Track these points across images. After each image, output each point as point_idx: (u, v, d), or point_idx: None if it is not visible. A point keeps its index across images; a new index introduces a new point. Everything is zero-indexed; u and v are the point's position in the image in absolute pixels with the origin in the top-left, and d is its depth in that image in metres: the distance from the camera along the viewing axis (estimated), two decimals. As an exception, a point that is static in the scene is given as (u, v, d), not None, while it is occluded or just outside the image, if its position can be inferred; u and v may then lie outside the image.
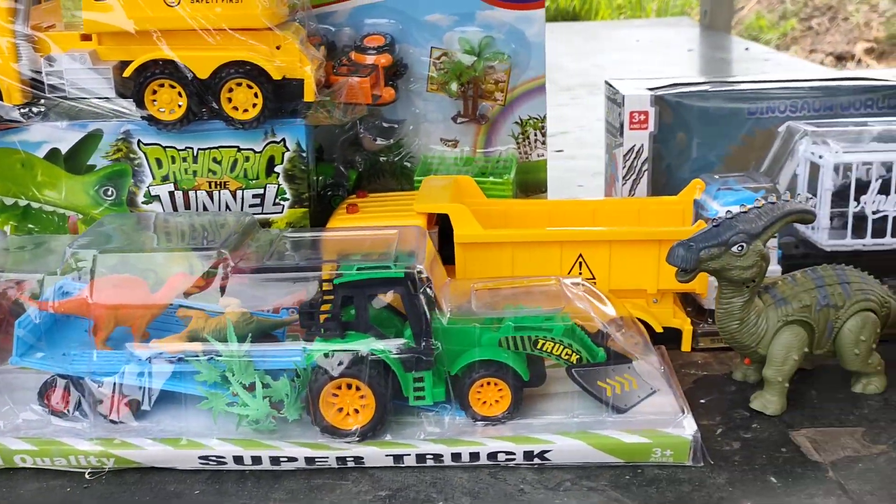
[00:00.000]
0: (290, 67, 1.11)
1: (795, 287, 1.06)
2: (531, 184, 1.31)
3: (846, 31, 6.58)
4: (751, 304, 1.03)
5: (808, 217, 1.04)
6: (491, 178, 1.24)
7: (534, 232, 1.13)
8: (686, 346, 1.15)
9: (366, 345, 0.96)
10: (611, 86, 1.40)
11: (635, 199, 1.25)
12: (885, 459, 0.97)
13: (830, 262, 1.20)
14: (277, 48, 1.11)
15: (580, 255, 1.13)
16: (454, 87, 1.22)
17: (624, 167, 1.33)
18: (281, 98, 1.13)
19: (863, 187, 1.22)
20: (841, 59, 6.40)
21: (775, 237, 1.13)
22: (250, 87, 1.11)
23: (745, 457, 0.98)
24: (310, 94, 1.11)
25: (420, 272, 0.96)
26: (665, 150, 1.35)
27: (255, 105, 1.12)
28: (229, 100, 1.12)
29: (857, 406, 1.07)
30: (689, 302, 1.24)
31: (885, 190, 1.21)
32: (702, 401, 1.09)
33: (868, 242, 1.23)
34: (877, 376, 1.09)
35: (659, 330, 1.14)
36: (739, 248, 0.99)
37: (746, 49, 3.95)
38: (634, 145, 1.33)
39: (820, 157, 1.22)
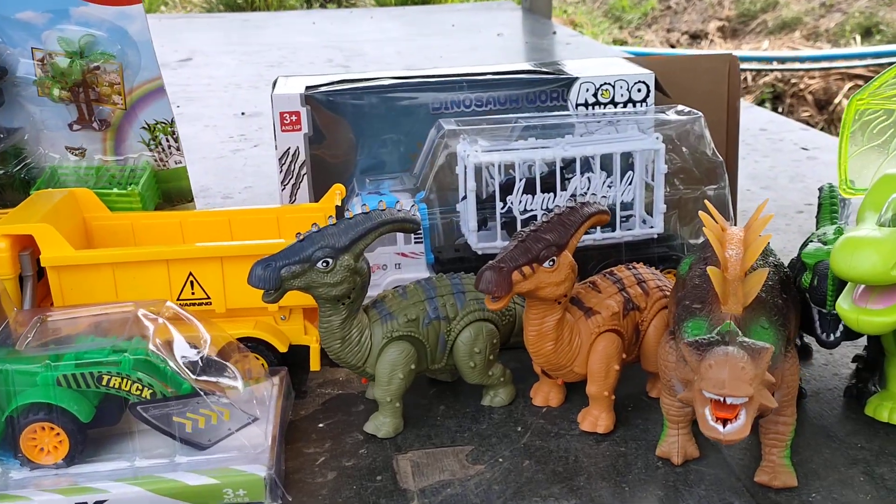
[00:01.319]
0: None
1: (404, 301, 0.99)
2: (174, 193, 1.22)
3: (701, 10, 6.71)
4: (352, 321, 0.96)
5: (407, 226, 0.98)
6: (115, 190, 1.14)
7: (134, 251, 1.03)
8: (314, 364, 1.08)
9: None
10: (274, 86, 1.31)
11: (274, 208, 1.17)
12: (476, 482, 0.91)
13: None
14: None
15: (190, 274, 1.04)
16: (56, 92, 1.11)
17: (281, 171, 1.25)
18: None
19: (512, 187, 1.17)
20: (695, 37, 6.52)
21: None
22: None
23: (334, 489, 0.91)
24: None
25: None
26: (330, 153, 1.28)
27: None
28: None
29: (478, 421, 1.02)
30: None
31: (531, 189, 1.16)
32: (320, 425, 1.02)
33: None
34: (503, 388, 1.04)
35: (283, 349, 1.07)
36: (325, 265, 0.92)
37: (554, 33, 3.94)
38: (289, 148, 1.24)
39: (467, 155, 1.16)
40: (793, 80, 5.13)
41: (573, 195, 1.17)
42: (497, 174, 1.21)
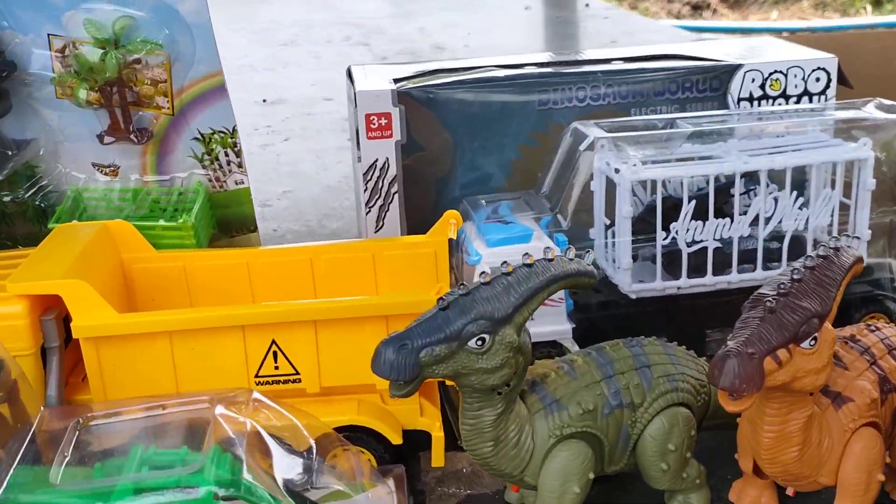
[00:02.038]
0: None
1: (573, 382, 0.72)
2: (234, 221, 0.94)
3: (704, -23, 6.44)
4: (508, 416, 0.69)
5: (583, 281, 0.71)
6: (161, 223, 0.86)
7: (199, 314, 0.76)
8: (437, 459, 0.81)
9: None
10: (350, 77, 1.04)
11: (368, 241, 0.90)
12: None
13: (638, 310, 0.90)
14: None
15: (273, 342, 0.77)
16: (82, 94, 0.83)
17: (366, 189, 0.98)
18: None
19: (673, 210, 0.90)
20: (697, 7, 6.24)
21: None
22: None
23: None
24: None
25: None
26: (426, 164, 1.00)
27: None
28: None
29: (669, 539, 0.75)
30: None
31: (701, 213, 0.89)
32: (451, 545, 0.76)
33: (684, 284, 0.91)
34: (696, 491, 0.77)
35: (396, 440, 0.80)
36: (480, 343, 0.65)
37: (587, 5, 3.64)
38: (377, 160, 0.97)
39: (616, 170, 0.89)
40: None
41: (755, 219, 0.90)
42: (645, 194, 0.94)
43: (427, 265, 0.88)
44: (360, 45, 2.98)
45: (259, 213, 1.53)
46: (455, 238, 0.88)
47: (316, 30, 3.28)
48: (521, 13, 3.54)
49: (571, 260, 0.70)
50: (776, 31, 4.84)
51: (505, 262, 0.68)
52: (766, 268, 0.92)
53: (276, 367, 0.77)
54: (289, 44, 3.02)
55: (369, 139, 0.96)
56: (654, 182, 0.89)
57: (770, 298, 0.65)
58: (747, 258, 0.92)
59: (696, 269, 0.92)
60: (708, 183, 0.89)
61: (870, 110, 0.95)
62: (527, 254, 0.68)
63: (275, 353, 0.77)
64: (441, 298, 0.66)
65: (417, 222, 1.00)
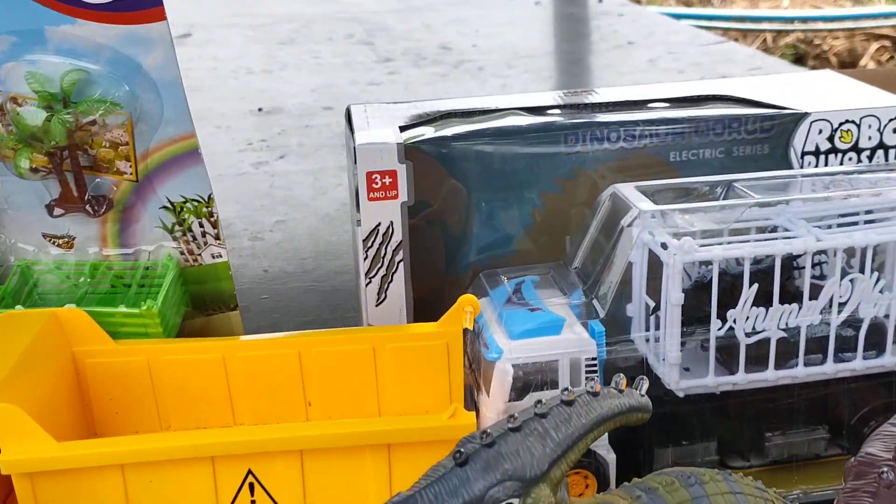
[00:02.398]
0: None
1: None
2: (210, 298, 0.80)
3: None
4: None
5: (637, 417, 0.57)
6: (122, 309, 0.72)
7: (154, 443, 0.61)
8: None
9: None
10: (348, 121, 0.89)
11: (368, 330, 0.76)
12: None
13: (687, 409, 0.77)
14: None
15: (250, 473, 0.63)
16: (24, 163, 0.69)
17: (366, 258, 0.83)
18: None
19: (729, 291, 0.76)
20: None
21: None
22: None
23: None
24: None
25: None
26: (436, 225, 0.86)
27: None
28: None
29: None
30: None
31: (763, 299, 0.75)
32: None
33: (741, 380, 0.77)
34: None
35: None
36: (508, 509, 0.51)
37: (600, 1, 3.49)
38: (379, 224, 0.82)
39: (664, 245, 0.75)
40: (815, 41, 4.77)
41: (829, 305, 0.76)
42: (693, 266, 0.80)
43: (438, 360, 0.74)
44: (363, 45, 2.82)
45: (249, 248, 1.40)
46: (471, 328, 0.74)
47: (317, 25, 3.12)
48: (531, 9, 3.38)
49: (621, 391, 0.56)
50: (788, 20, 4.70)
51: (539, 401, 0.54)
52: (837, 359, 0.78)
53: (253, 502, 0.63)
54: (287, 42, 2.87)
55: (371, 200, 0.81)
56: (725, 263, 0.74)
57: (462, 449, 0.51)
58: (816, 347, 0.78)
59: (756, 361, 0.78)
60: (771, 259, 0.75)
61: (961, 171, 0.81)
62: (566, 389, 0.54)
63: (251, 486, 0.63)
64: (458, 450, 0.52)
65: (427, 294, 0.86)
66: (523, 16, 3.27)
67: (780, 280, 0.77)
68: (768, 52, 4.77)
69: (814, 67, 4.75)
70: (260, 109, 2.12)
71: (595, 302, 0.76)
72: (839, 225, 0.81)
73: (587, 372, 0.75)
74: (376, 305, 0.85)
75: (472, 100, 0.97)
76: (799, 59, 4.81)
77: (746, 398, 0.78)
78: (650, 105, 0.93)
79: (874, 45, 4.62)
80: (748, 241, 0.75)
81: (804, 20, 4.83)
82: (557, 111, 0.93)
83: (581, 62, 2.63)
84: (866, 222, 0.80)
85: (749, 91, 0.93)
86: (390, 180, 0.81)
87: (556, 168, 0.91)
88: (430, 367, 0.74)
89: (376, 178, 0.81)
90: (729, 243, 0.75)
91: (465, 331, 0.74)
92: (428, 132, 0.84)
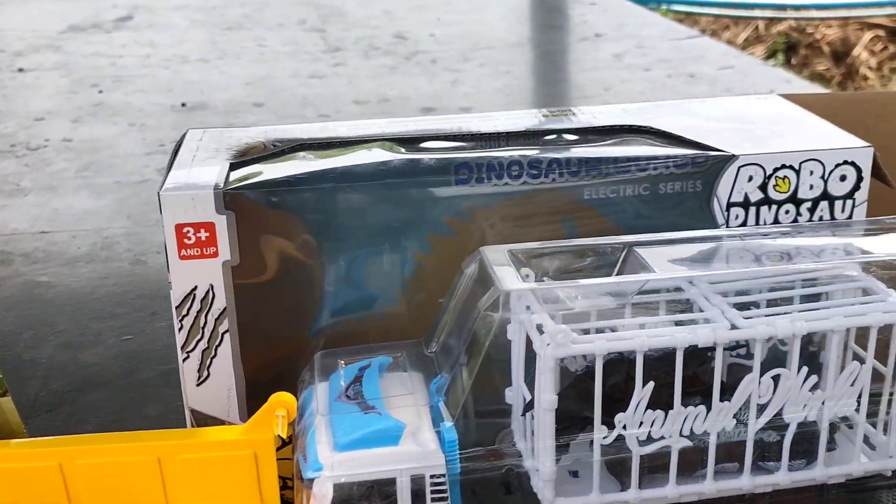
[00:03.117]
0: None
1: None
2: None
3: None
4: None
5: None
6: None
7: None
8: None
9: None
10: (175, 153, 0.72)
11: (151, 438, 0.60)
12: None
13: None
14: None
15: None
16: None
17: (181, 328, 0.67)
18: None
19: (622, 386, 0.60)
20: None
21: None
22: None
23: None
24: None
25: None
26: (277, 286, 0.70)
27: None
28: None
29: None
30: None
31: (661, 400, 0.59)
32: None
33: (633, 498, 0.61)
34: None
35: None
36: None
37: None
38: (195, 288, 0.66)
39: (539, 328, 0.58)
40: (808, 30, 4.64)
41: (744, 410, 0.60)
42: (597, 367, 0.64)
43: (244, 476, 0.58)
44: (315, 32, 2.65)
45: (128, 273, 1.23)
46: (285, 436, 0.58)
47: (269, 10, 2.94)
48: (499, -4, 3.21)
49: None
50: (780, 8, 4.55)
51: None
52: (757, 469, 0.62)
53: None
54: (234, 27, 2.69)
55: (183, 259, 0.65)
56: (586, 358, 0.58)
57: None
58: (730, 456, 0.62)
59: (655, 471, 0.62)
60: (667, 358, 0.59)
61: (919, 235, 0.65)
62: None
63: None
64: None
65: (266, 372, 0.70)
66: (490, 2, 3.09)
67: (689, 372, 0.61)
68: (760, 39, 4.62)
69: (806, 57, 4.60)
70: (183, 105, 1.94)
71: (445, 407, 0.60)
72: (770, 303, 0.65)
73: (434, 493, 0.59)
74: (197, 385, 0.69)
75: (343, 126, 0.80)
76: (791, 48, 4.66)
77: (644, 518, 0.63)
78: (554, 140, 0.76)
79: (868, 35, 4.48)
80: (639, 331, 0.58)
81: (797, 8, 4.69)
82: (440, 143, 0.77)
83: (543, 55, 2.46)
84: (805, 299, 0.64)
85: (675, 123, 0.76)
86: (207, 235, 0.65)
87: (444, 207, 0.75)
88: (234, 485, 0.58)
89: (188, 231, 0.64)
90: (617, 329, 0.59)
91: (280, 438, 0.58)
92: (268, 172, 0.68)
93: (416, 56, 2.38)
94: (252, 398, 0.70)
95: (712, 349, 0.66)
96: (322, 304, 0.72)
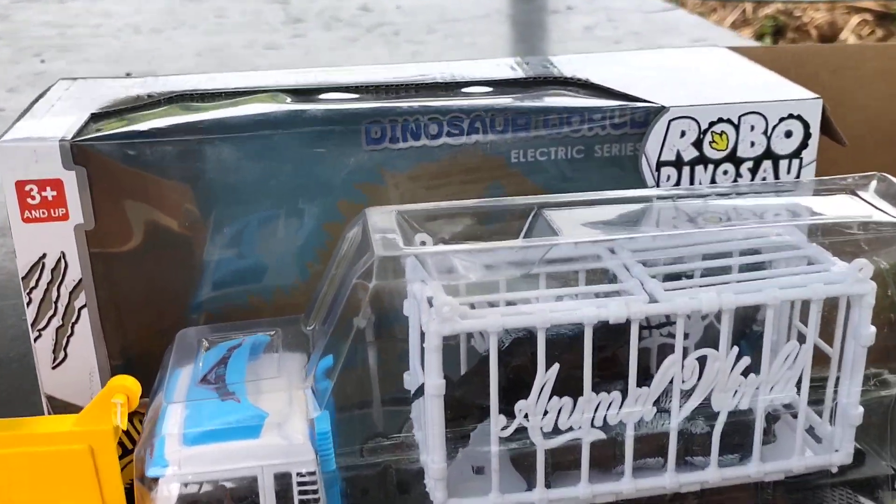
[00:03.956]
0: None
1: None
2: None
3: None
4: None
5: None
6: None
7: None
8: None
9: None
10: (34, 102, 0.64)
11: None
12: None
13: None
14: None
15: None
16: None
17: (29, 302, 0.59)
18: None
19: (526, 368, 0.52)
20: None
21: None
22: None
23: None
24: None
25: None
26: (146, 252, 0.61)
27: None
28: None
29: None
30: None
31: (570, 385, 0.51)
32: None
33: (539, 499, 0.53)
34: None
35: None
36: None
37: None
38: (43, 256, 0.58)
39: (430, 301, 0.50)
40: (796, 13, 4.57)
41: (664, 397, 0.52)
42: (491, 346, 0.56)
43: (79, 473, 0.49)
44: (276, 3, 2.55)
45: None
46: (124, 427, 0.49)
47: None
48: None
49: None
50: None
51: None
52: (682, 465, 0.54)
53: None
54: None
55: (27, 222, 0.56)
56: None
57: None
58: (652, 450, 0.54)
59: (566, 467, 0.54)
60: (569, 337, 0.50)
61: (872, 198, 0.57)
62: None
63: None
64: None
65: (138, 354, 0.62)
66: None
67: (607, 353, 0.53)
68: (747, 22, 4.54)
69: (793, 41, 4.52)
70: (128, 75, 1.85)
71: (312, 394, 0.51)
72: (706, 272, 0.57)
73: (302, 493, 0.50)
74: (53, 368, 0.60)
75: (237, 77, 0.72)
76: (778, 31, 4.58)
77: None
78: (470, 92, 0.68)
79: (855, 19, 4.41)
80: (541, 306, 0.50)
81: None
82: (352, 95, 0.68)
83: (512, 28, 2.37)
84: (745, 269, 0.56)
85: (605, 73, 0.68)
86: (54, 194, 0.56)
87: (353, 168, 0.67)
88: (68, 484, 0.49)
89: (32, 189, 0.56)
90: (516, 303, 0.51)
91: (120, 429, 0.49)
92: (131, 124, 0.59)
93: (380, 28, 2.29)
94: (120, 383, 0.62)
95: (646, 327, 0.59)
96: (202, 277, 0.63)
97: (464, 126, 0.67)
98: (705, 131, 0.61)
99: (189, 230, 0.61)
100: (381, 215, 0.55)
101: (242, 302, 0.65)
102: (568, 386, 0.52)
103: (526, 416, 0.51)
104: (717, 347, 0.53)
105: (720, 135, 0.61)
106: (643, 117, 0.61)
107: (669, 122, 0.60)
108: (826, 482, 0.56)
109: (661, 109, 0.60)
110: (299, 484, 0.50)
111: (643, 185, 0.62)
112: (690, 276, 0.56)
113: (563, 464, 0.54)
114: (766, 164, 0.63)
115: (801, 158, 0.63)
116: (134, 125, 0.59)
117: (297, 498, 0.50)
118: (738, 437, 0.54)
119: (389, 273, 0.50)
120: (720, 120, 0.61)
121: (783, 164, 0.62)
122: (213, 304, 0.64)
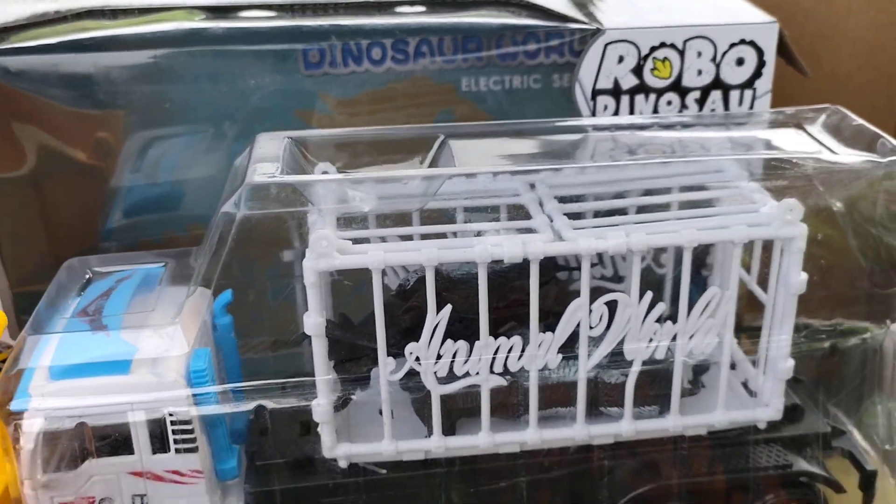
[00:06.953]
0: None
1: None
2: None
3: None
4: None
5: None
6: None
7: None
8: None
9: None
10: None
11: None
12: None
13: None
14: None
15: None
16: None
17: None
18: None
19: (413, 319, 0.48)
20: None
21: None
22: None
23: None
24: None
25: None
26: (48, 178, 0.58)
27: None
28: None
29: None
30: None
31: (459, 330, 0.47)
32: None
33: (436, 446, 0.50)
34: None
35: None
36: None
37: None
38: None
39: (313, 234, 0.46)
40: None
41: (570, 348, 0.48)
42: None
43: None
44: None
45: None
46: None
47: None
48: None
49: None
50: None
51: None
52: (594, 415, 0.50)
53: None
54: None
55: None
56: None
57: None
58: (561, 398, 0.50)
59: (467, 415, 0.50)
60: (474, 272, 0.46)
61: (818, 133, 0.51)
62: None
63: None
64: None
65: (44, 283, 0.59)
66: None
67: (518, 295, 0.49)
68: None
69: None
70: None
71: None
72: (642, 209, 0.52)
73: (177, 434, 0.48)
74: (-49, 296, 0.58)
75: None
76: None
77: (456, 475, 0.51)
78: (397, 10, 0.63)
79: None
80: (429, 243, 0.46)
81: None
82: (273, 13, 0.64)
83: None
84: (684, 206, 0.51)
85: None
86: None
87: (288, 94, 0.63)
88: None
89: None
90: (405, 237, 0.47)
91: (-13, 360, 0.47)
92: (20, 41, 0.56)
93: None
94: (26, 314, 0.60)
95: (565, 267, 0.54)
96: (114, 203, 0.60)
97: (409, 50, 0.63)
98: (645, 57, 0.56)
99: (92, 156, 0.58)
100: (270, 141, 0.51)
101: (166, 232, 0.62)
102: (462, 332, 0.48)
103: (418, 359, 0.47)
104: (658, 292, 0.49)
105: (662, 61, 0.56)
106: (577, 40, 0.56)
107: (606, 45, 0.55)
108: (752, 439, 0.52)
109: (597, 32, 0.55)
110: (172, 423, 0.47)
111: (577, 114, 0.57)
112: (623, 214, 0.51)
113: (467, 411, 0.51)
114: (715, 95, 0.57)
115: (755, 89, 0.57)
116: (26, 42, 0.55)
117: (171, 439, 0.47)
118: (657, 389, 0.50)
119: (261, 203, 0.46)
120: (662, 45, 0.55)
121: (734, 94, 0.57)
122: (126, 231, 0.61)
